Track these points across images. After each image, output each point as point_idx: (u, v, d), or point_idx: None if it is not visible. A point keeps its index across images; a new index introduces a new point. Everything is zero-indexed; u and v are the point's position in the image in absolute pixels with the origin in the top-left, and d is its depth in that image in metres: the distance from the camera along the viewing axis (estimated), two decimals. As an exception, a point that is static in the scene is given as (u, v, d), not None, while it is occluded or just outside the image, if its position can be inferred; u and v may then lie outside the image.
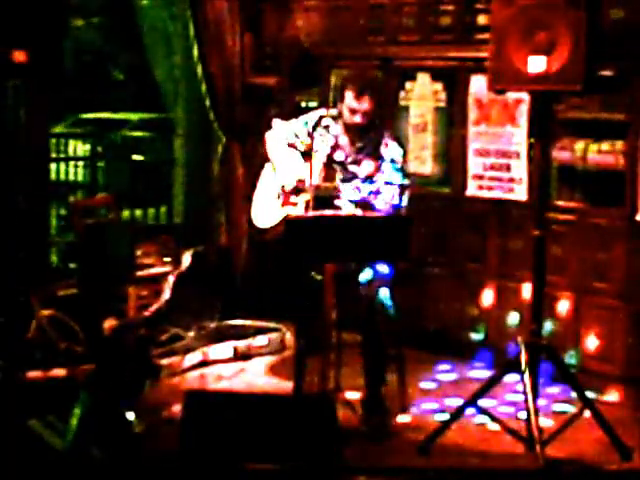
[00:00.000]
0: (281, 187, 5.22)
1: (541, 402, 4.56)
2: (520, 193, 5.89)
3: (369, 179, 5.08)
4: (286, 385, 5.35)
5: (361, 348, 5.02)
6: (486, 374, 4.98)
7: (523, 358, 4.58)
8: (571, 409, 4.72)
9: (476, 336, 6.16)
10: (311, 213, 4.84)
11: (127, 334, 5.71)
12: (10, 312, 5.82)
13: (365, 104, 5.04)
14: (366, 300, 4.93)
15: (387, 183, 4.96)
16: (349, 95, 5.06)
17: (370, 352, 5.01)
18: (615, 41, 5.17)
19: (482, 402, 4.74)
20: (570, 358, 5.53)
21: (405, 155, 5.28)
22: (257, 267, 7.02)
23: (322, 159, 5.17)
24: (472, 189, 6.15)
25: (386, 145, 5.15)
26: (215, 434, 3.62)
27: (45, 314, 5.78)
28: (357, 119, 5.08)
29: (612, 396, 5.35)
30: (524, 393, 4.53)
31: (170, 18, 7.93)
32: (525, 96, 5.69)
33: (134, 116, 14.06)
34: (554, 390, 4.84)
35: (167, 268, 6.44)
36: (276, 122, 5.39)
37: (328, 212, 4.88)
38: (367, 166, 5.02)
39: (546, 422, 4.55)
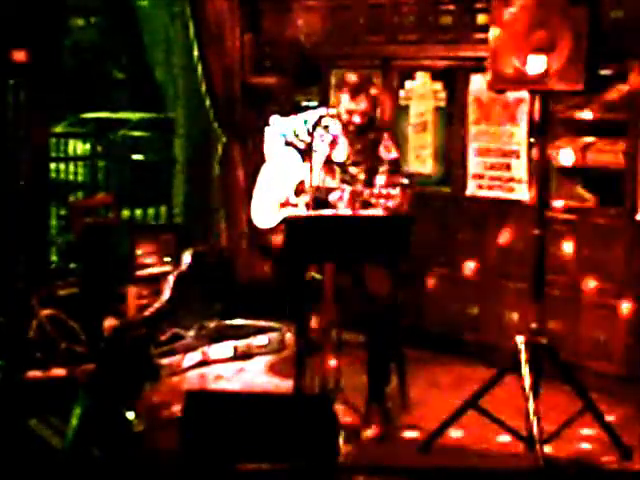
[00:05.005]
0: (281, 198, 5.23)
1: (541, 402, 4.56)
2: (520, 193, 5.89)
3: (369, 180, 5.09)
4: (286, 385, 5.35)
5: (366, 347, 5.02)
6: (486, 374, 4.97)
7: (523, 358, 4.58)
8: (571, 409, 4.71)
9: (476, 336, 6.16)
10: (311, 213, 4.84)
11: (127, 334, 5.71)
12: (10, 312, 5.82)
13: (362, 104, 5.05)
14: (376, 299, 4.92)
15: (387, 184, 4.96)
16: (345, 97, 5.08)
17: (376, 352, 5.01)
18: (615, 40, 5.17)
19: (482, 402, 4.74)
20: (570, 358, 5.53)
21: (403, 156, 5.29)
22: (257, 267, 7.02)
23: (322, 159, 5.18)
24: (472, 189, 6.14)
25: (385, 147, 5.16)
26: (215, 434, 3.62)
27: (45, 314, 5.78)
28: (356, 119, 5.08)
29: (612, 396, 5.34)
30: (524, 393, 4.53)
31: (170, 18, 7.93)
32: (525, 96, 5.68)
33: (134, 116, 14.06)
34: (554, 390, 4.83)
35: (167, 268, 6.45)
36: (275, 118, 5.38)
37: (328, 212, 4.88)
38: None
39: (546, 422, 4.54)
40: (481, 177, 6.09)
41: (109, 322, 5.69)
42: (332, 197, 4.96)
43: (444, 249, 6.31)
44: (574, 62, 4.44)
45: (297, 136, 5.25)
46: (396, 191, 4.74)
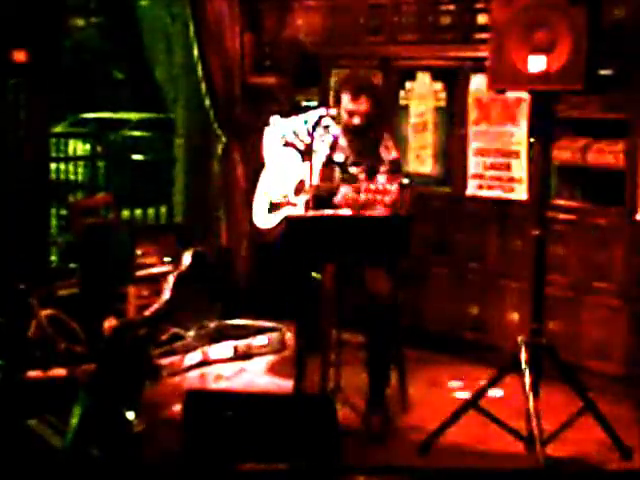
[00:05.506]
0: (281, 198, 5.23)
1: (541, 402, 4.56)
2: (520, 193, 5.89)
3: (369, 180, 5.08)
4: (286, 385, 5.35)
5: (367, 348, 5.02)
6: (486, 374, 4.97)
7: (523, 358, 4.58)
8: (571, 409, 4.71)
9: (476, 336, 6.16)
10: (311, 213, 4.84)
11: (127, 334, 5.71)
12: (10, 312, 5.82)
13: (362, 105, 5.04)
14: (376, 299, 4.92)
15: (387, 184, 4.96)
16: (345, 97, 5.07)
17: (376, 352, 5.00)
18: (615, 40, 5.17)
19: (482, 402, 4.74)
20: (570, 358, 5.53)
21: (403, 156, 5.29)
22: (257, 267, 7.02)
23: (322, 159, 5.18)
24: (472, 189, 6.14)
25: (385, 147, 5.15)
26: (215, 434, 3.62)
27: (45, 314, 5.78)
28: (356, 121, 5.07)
29: (612, 396, 5.34)
30: (524, 393, 4.53)
31: (170, 18, 7.94)
32: (525, 96, 5.68)
33: (134, 116, 14.08)
34: (554, 390, 4.83)
35: (167, 268, 6.44)
36: (275, 119, 5.38)
37: (328, 212, 4.88)
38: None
39: (546, 422, 4.54)
40: (481, 177, 6.09)
41: (109, 322, 5.69)
42: (332, 197, 4.96)
43: (444, 249, 6.31)
44: (574, 62, 4.44)
45: (297, 136, 5.25)
46: (393, 187, 4.72)
